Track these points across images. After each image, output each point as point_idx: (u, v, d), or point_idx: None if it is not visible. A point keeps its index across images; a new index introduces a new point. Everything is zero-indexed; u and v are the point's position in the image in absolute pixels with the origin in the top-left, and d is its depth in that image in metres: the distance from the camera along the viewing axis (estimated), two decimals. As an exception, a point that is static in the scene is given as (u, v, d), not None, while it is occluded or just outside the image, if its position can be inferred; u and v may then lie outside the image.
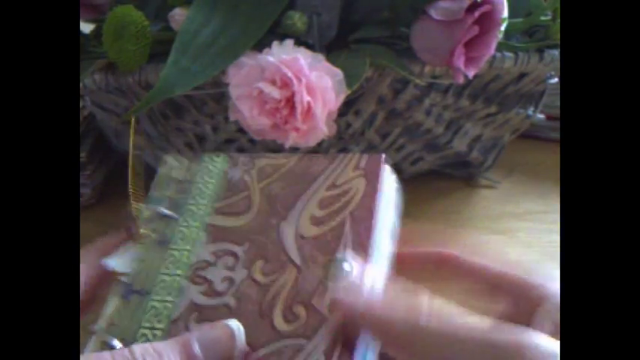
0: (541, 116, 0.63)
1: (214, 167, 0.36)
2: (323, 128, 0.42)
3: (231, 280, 0.31)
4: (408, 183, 0.57)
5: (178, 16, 0.43)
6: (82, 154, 0.52)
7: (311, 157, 0.36)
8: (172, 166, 0.37)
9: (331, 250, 0.31)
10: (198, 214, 0.34)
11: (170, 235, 0.33)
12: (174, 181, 0.36)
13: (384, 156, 0.35)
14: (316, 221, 0.33)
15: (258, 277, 0.31)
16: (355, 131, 0.49)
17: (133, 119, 0.38)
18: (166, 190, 0.36)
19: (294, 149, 0.49)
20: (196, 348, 0.27)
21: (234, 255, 0.32)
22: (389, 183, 0.35)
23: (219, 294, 0.31)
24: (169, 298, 0.31)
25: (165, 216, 0.34)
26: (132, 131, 0.38)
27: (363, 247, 0.30)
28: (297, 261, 0.31)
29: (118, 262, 0.33)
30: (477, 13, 0.40)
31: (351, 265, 0.30)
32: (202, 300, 0.30)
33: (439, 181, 0.57)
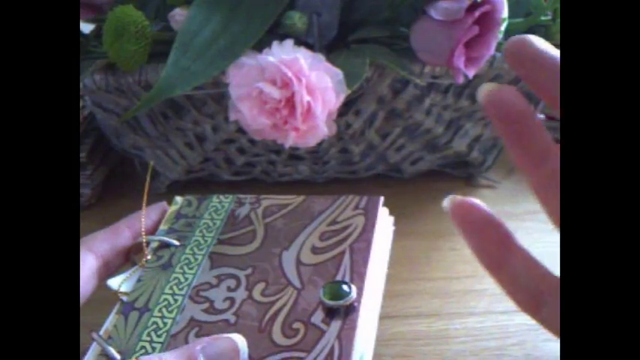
0: (541, 116, 0.63)
1: (222, 206, 0.38)
2: (323, 128, 0.42)
3: (232, 300, 0.32)
4: (408, 183, 0.57)
5: (178, 16, 0.43)
6: (82, 154, 0.52)
7: (314, 198, 0.37)
8: (182, 204, 0.38)
9: (330, 275, 0.32)
10: (204, 245, 0.35)
11: (175, 261, 0.34)
12: (183, 217, 0.37)
13: (382, 198, 0.37)
14: (317, 251, 0.34)
15: (259, 297, 0.32)
16: (355, 131, 0.49)
17: (147, 180, 0.39)
18: (175, 224, 0.37)
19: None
20: None
21: (236, 278, 0.33)
22: (385, 222, 0.37)
23: (219, 312, 0.31)
24: (170, 315, 0.31)
25: (172, 246, 0.35)
26: (149, 176, 0.39)
27: (360, 274, 0.32)
28: (297, 284, 0.32)
29: (121, 283, 0.33)
30: (477, 13, 0.40)
31: (350, 286, 0.30)
32: (203, 317, 0.31)
33: (439, 181, 0.57)
